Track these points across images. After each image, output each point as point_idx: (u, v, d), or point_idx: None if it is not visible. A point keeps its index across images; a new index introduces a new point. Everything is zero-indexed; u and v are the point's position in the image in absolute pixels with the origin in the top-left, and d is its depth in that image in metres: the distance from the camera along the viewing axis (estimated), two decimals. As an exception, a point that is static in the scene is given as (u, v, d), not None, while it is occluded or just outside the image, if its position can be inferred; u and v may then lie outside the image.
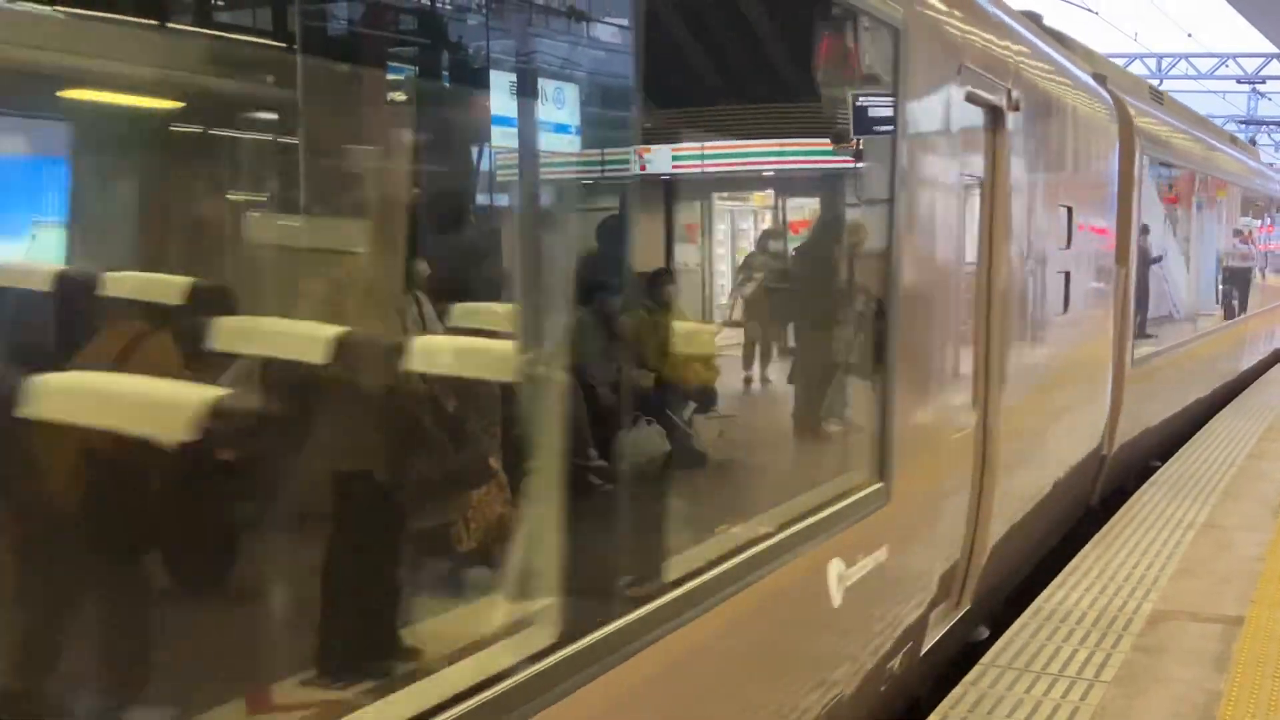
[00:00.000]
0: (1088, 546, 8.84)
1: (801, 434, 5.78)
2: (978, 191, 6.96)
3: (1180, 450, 12.73)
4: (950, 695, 6.03)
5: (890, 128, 5.59)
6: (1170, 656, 6.62)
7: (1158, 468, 12.00)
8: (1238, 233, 18.76)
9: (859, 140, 5.65)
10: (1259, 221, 20.97)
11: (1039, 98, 8.08)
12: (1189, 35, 40.47)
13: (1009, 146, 7.18)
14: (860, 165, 5.91)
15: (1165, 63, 38.06)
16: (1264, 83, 38.67)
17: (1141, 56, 36.89)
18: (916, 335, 5.98)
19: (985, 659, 6.54)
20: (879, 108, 5.61)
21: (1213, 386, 16.40)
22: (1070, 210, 8.95)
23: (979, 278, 7.02)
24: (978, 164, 6.93)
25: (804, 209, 6.18)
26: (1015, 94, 7.23)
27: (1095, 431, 10.35)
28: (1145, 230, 12.62)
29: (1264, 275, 21.21)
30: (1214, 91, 38.95)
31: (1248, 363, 19.62)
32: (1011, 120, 7.18)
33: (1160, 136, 12.90)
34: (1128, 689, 6.13)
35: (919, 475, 6.05)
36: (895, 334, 5.62)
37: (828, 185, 5.96)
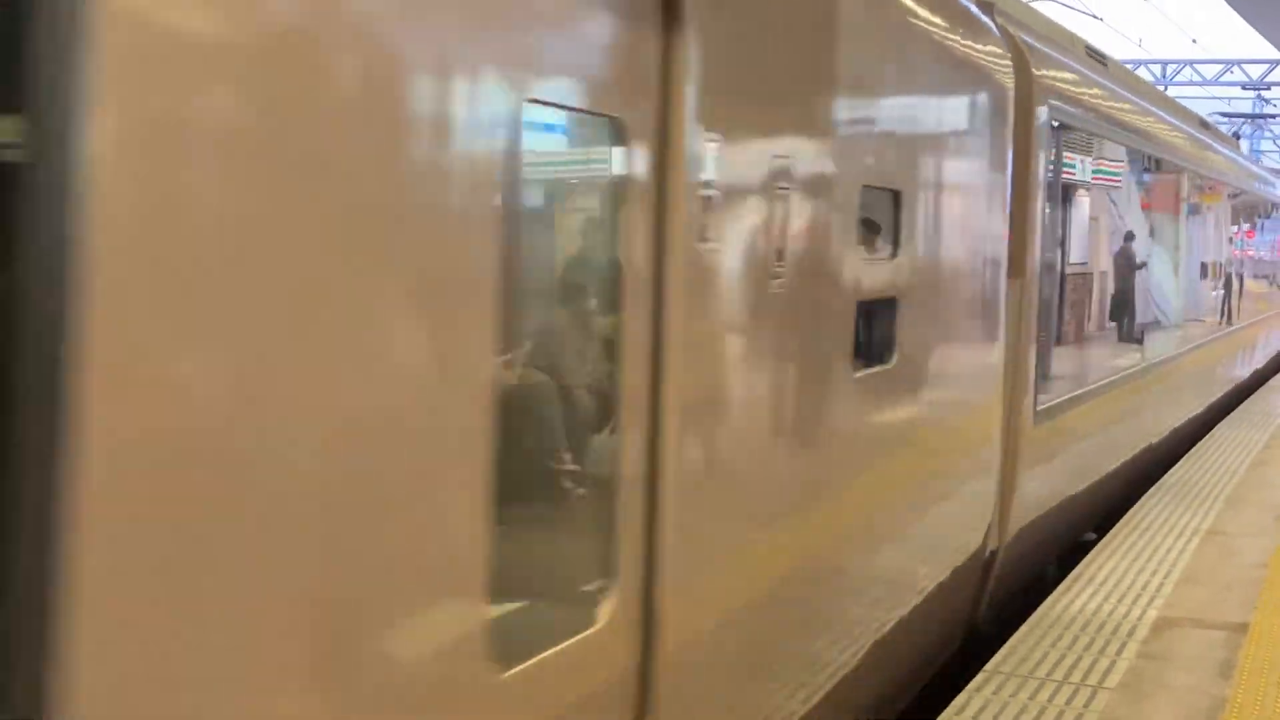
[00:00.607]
0: (1091, 554, 8.83)
1: None
2: (613, 155, 3.61)
3: (1184, 458, 12.69)
4: (954, 702, 6.03)
5: None
6: (1175, 663, 6.61)
7: (1094, 540, 9.45)
8: (1208, 236, 16.00)
9: None
10: (1237, 226, 18.48)
11: None
12: (1193, 41, 40.40)
13: (702, 67, 3.76)
14: None
15: (1170, 69, 38.16)
16: (1268, 89, 38.77)
17: (1146, 62, 36.98)
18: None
19: (989, 665, 6.54)
20: None
21: (1170, 427, 13.20)
22: (898, 197, 5.59)
23: (626, 325, 3.58)
24: (604, 97, 3.49)
25: None
26: None
27: (968, 530, 6.96)
28: (1130, 234, 11.32)
29: (1240, 290, 18.43)
30: (1219, 98, 39.04)
31: (1217, 394, 16.32)
32: (704, 17, 3.79)
33: (1083, 100, 9.52)
34: (1132, 695, 6.13)
35: None
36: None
37: None
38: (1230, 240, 17.81)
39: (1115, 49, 24.93)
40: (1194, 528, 9.62)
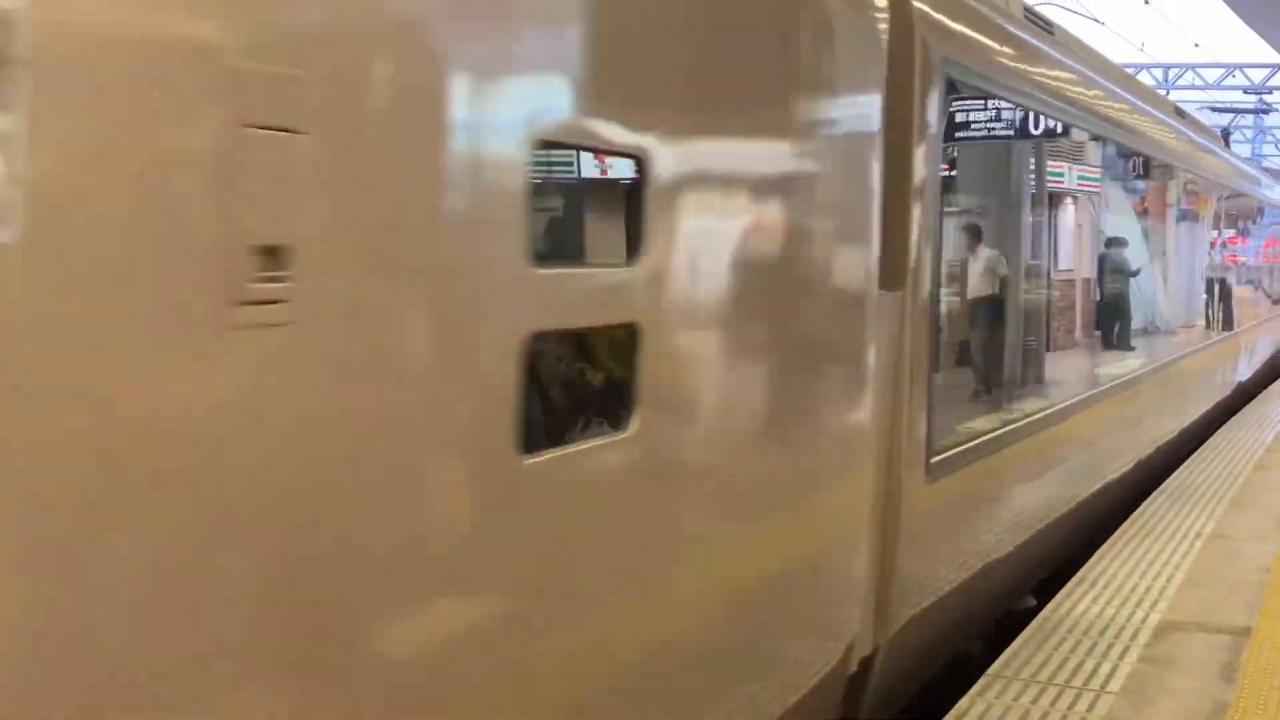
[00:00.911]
0: (1094, 558, 8.79)
1: None
2: None
3: (1186, 461, 12.65)
4: (955, 708, 6.00)
5: None
6: (1178, 667, 6.58)
7: (1034, 607, 8.16)
8: (1180, 241, 14.38)
9: None
10: (1219, 232, 16.97)
11: None
12: (1196, 45, 40.47)
13: None
14: None
15: (1172, 73, 38.19)
16: (1270, 93, 38.78)
17: (1148, 66, 36.99)
18: None
19: (991, 670, 6.50)
20: None
21: (1134, 460, 11.28)
22: (641, 166, 3.57)
23: None
24: None
25: None
26: None
27: (809, 651, 4.92)
28: (1113, 240, 10.93)
29: (1222, 299, 16.90)
30: (1221, 101, 39.04)
31: (1191, 418, 14.22)
32: None
33: (998, 60, 7.18)
34: (1134, 700, 6.09)
35: None
36: None
37: None
38: (1212, 246, 16.59)
39: (1117, 53, 24.88)
40: (1197, 531, 9.59)
